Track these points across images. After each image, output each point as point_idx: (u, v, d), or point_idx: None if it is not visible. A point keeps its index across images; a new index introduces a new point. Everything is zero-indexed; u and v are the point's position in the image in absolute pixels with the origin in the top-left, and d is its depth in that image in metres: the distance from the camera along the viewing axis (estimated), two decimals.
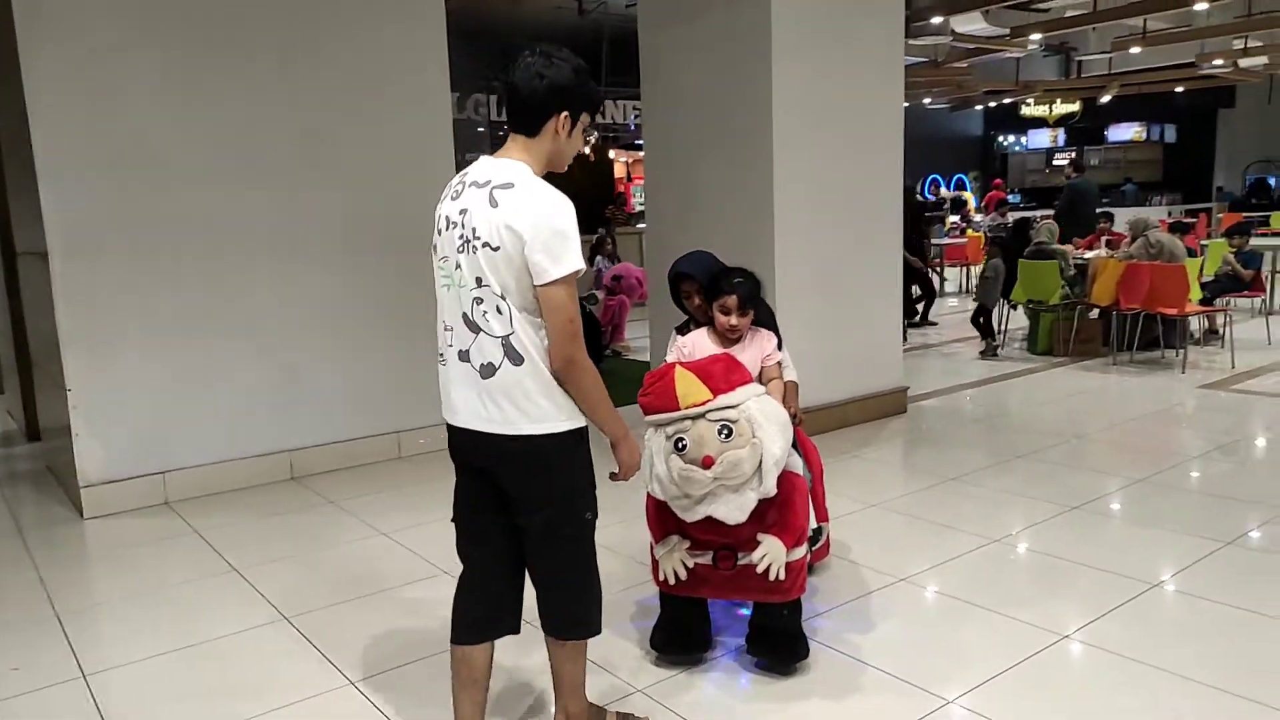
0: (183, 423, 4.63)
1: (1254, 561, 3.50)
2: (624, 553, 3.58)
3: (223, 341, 4.72)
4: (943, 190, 20.21)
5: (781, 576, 2.58)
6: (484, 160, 2.15)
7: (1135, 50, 13.21)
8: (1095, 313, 7.88)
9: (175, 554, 3.95)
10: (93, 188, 4.33)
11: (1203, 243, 9.79)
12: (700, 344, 3.00)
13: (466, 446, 2.20)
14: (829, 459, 3.53)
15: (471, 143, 11.69)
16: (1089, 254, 8.40)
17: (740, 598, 2.84)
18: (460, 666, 2.27)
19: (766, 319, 3.11)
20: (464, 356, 2.13)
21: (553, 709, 2.39)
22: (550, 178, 2.16)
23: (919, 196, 16.66)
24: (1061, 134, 21.76)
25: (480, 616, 2.28)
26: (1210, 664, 2.72)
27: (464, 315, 2.11)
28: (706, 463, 2.42)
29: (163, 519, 4.38)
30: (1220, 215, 15.96)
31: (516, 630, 2.33)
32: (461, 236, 2.09)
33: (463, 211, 2.10)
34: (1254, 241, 8.75)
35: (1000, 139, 23.60)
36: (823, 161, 5.38)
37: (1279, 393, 6.35)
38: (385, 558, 3.81)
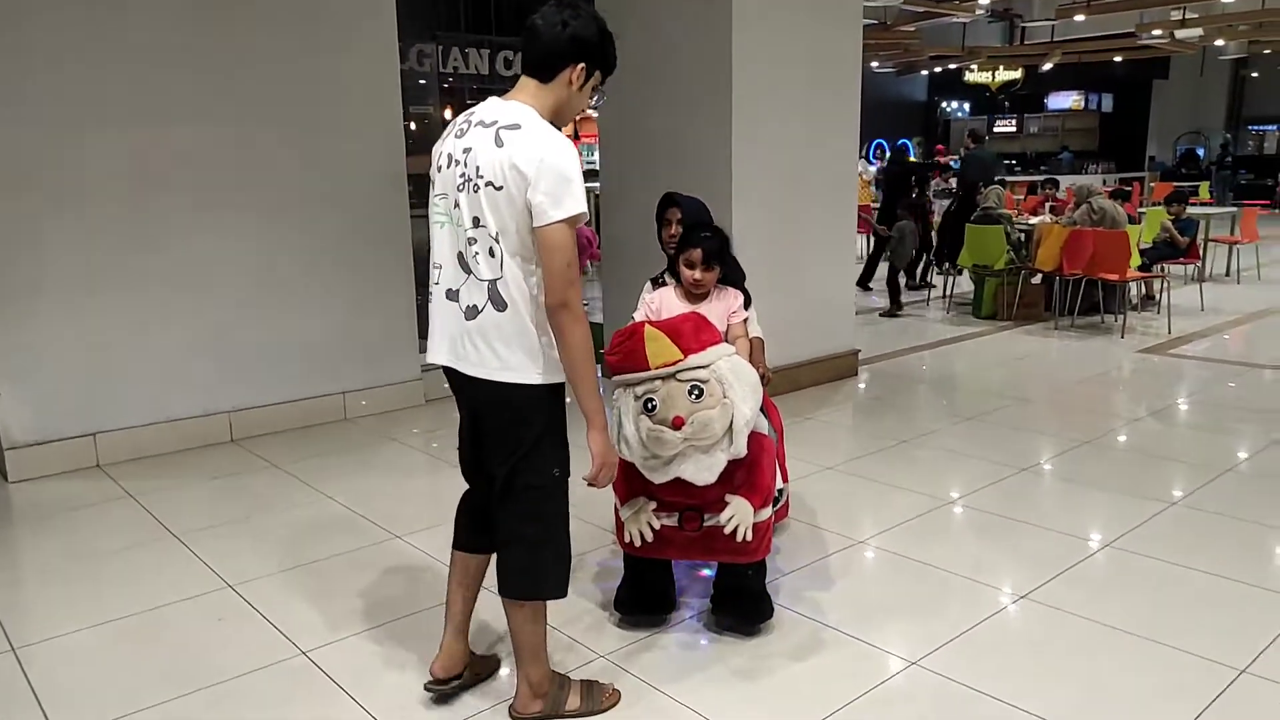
0: (113, 382, 4.40)
1: (1198, 521, 3.59)
2: (586, 517, 3.51)
3: (154, 295, 4.48)
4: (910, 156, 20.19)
5: (749, 537, 2.56)
6: (492, 101, 2.15)
7: (1079, 19, 13.37)
8: (1038, 278, 8.01)
9: (109, 519, 3.76)
10: None
11: (1141, 210, 10.02)
12: (668, 302, 2.99)
13: (454, 385, 2.26)
14: (784, 421, 3.50)
15: (416, 95, 11.34)
16: (1034, 220, 8.52)
17: (706, 559, 2.81)
18: (456, 568, 2.42)
19: (736, 278, 3.11)
20: (451, 295, 2.14)
21: (514, 677, 2.34)
22: None
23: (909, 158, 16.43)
24: (1006, 103, 22.02)
25: (476, 533, 2.38)
26: (1162, 621, 2.78)
27: (459, 255, 2.12)
28: (677, 423, 2.37)
29: (95, 482, 4.18)
30: (1153, 184, 16.36)
31: None
32: (463, 175, 2.09)
33: (466, 150, 2.10)
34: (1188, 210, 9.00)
35: (944, 105, 23.81)
36: (780, 124, 5.31)
37: (1212, 357, 6.55)
38: (332, 523, 3.69)
